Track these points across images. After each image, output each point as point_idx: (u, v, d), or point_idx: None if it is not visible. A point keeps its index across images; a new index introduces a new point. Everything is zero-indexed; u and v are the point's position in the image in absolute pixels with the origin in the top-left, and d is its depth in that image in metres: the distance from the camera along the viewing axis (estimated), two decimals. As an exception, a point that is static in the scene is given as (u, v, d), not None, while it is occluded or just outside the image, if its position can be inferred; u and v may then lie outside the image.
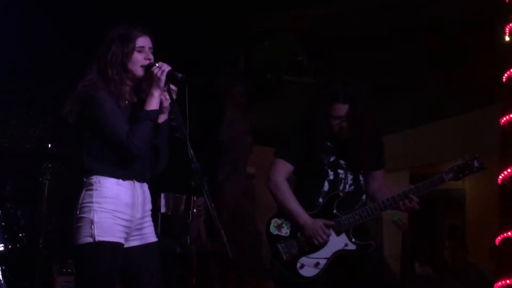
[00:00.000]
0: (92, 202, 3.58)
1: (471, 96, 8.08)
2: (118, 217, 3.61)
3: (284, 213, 4.64)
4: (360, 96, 4.53)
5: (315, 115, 4.59)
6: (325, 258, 4.48)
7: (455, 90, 7.95)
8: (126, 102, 3.73)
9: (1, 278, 5.21)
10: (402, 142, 9.53)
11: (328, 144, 4.63)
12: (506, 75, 5.46)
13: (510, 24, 5.52)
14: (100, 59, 3.70)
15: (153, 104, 3.64)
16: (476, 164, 4.45)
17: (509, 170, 5.23)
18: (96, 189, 3.60)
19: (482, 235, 8.36)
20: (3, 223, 5.44)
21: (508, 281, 5.06)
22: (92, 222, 3.54)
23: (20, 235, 5.68)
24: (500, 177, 5.31)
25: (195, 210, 6.06)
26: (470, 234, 9.64)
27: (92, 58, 3.76)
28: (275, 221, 4.65)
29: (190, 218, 6.02)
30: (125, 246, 3.68)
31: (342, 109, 4.48)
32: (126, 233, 3.67)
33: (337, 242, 4.50)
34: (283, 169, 4.72)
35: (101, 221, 3.55)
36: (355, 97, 4.50)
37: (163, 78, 3.62)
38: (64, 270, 6.32)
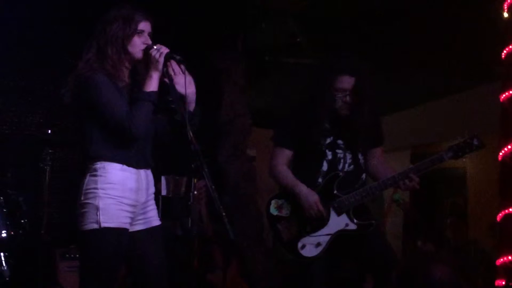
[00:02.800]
0: (97, 188, 3.57)
1: (471, 73, 8.07)
2: (123, 203, 3.61)
3: (287, 194, 4.64)
4: (365, 72, 4.53)
5: (319, 87, 4.59)
6: (326, 238, 4.49)
7: (454, 68, 7.93)
8: (124, 83, 3.72)
9: (4, 265, 5.23)
10: (403, 122, 9.54)
11: (326, 125, 4.62)
12: (505, 51, 5.45)
13: (509, 0, 5.50)
14: (101, 37, 3.69)
15: (152, 85, 3.64)
16: (475, 142, 4.45)
17: (509, 147, 5.23)
18: (100, 175, 3.59)
19: (483, 212, 8.39)
20: (4, 210, 5.44)
21: (509, 257, 5.07)
22: (97, 208, 3.54)
23: (22, 221, 5.69)
24: (501, 154, 5.31)
25: (195, 192, 6.05)
26: (472, 211, 9.65)
27: (92, 37, 3.75)
28: (275, 202, 4.65)
29: (191, 200, 6.02)
30: (129, 230, 3.69)
31: (349, 81, 4.48)
32: (131, 218, 3.68)
33: (338, 222, 4.51)
34: (282, 157, 4.72)
35: (106, 207, 3.55)
36: (362, 71, 4.50)
37: (162, 60, 3.62)
38: (66, 255, 6.36)
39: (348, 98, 4.51)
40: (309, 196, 4.49)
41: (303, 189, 4.52)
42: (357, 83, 4.49)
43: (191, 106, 3.77)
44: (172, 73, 3.69)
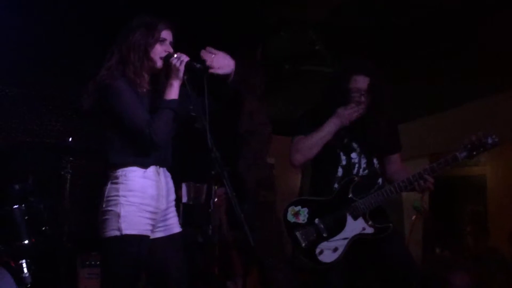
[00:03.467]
0: (118, 196, 3.61)
1: (490, 81, 8.05)
2: (144, 210, 3.65)
3: (303, 200, 4.66)
4: (380, 75, 4.57)
5: (334, 86, 4.62)
6: (343, 243, 4.49)
7: (474, 75, 7.91)
8: (144, 90, 3.76)
9: (26, 271, 5.25)
10: (421, 129, 9.51)
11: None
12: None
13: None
14: (123, 44, 3.74)
15: (172, 93, 3.68)
16: (489, 141, 4.40)
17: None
18: (122, 183, 3.64)
19: (503, 220, 8.34)
20: (26, 217, 5.47)
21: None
22: (118, 215, 3.58)
23: (43, 228, 5.71)
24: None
25: (216, 200, 6.07)
26: (492, 219, 9.60)
27: (114, 44, 3.79)
28: (292, 209, 4.65)
29: (211, 207, 6.04)
30: (150, 237, 3.72)
31: (364, 81, 4.52)
32: (152, 225, 3.71)
33: (355, 226, 4.51)
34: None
35: (127, 214, 3.59)
36: (376, 73, 4.54)
37: (182, 68, 3.66)
38: (87, 262, 6.40)
39: (362, 98, 4.54)
40: (338, 113, 4.55)
41: (330, 120, 4.57)
42: (371, 84, 4.53)
43: (229, 80, 3.94)
44: (210, 62, 3.74)
